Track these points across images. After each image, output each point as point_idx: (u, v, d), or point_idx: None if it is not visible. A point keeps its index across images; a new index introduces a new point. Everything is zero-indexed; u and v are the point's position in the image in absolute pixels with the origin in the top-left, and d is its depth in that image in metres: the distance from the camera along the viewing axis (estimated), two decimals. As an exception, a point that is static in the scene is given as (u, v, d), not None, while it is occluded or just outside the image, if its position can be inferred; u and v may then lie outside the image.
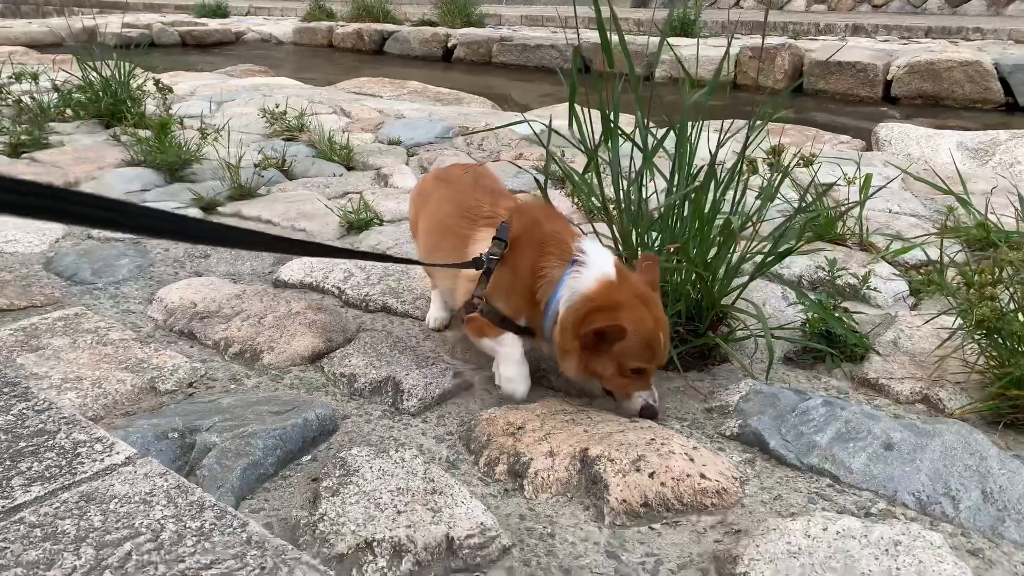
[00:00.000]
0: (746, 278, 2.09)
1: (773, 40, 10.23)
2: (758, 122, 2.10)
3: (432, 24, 12.81)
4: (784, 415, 1.64)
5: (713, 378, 1.93)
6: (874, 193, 2.44)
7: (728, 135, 2.07)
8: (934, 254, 2.62)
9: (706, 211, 2.07)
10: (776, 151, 2.86)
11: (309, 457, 1.61)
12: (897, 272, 2.52)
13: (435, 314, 2.21)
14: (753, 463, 1.56)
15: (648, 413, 1.66)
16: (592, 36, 2.17)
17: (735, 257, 2.04)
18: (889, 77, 8.47)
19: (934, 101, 8.22)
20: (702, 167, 2.12)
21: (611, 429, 1.60)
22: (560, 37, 11.32)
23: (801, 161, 2.79)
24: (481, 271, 1.73)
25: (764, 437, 1.59)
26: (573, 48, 2.16)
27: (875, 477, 1.47)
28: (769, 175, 2.60)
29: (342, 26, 12.58)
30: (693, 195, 2.02)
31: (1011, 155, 3.94)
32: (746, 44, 9.74)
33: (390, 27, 12.44)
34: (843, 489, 1.47)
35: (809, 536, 1.27)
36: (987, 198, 2.68)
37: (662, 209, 2.01)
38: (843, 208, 2.53)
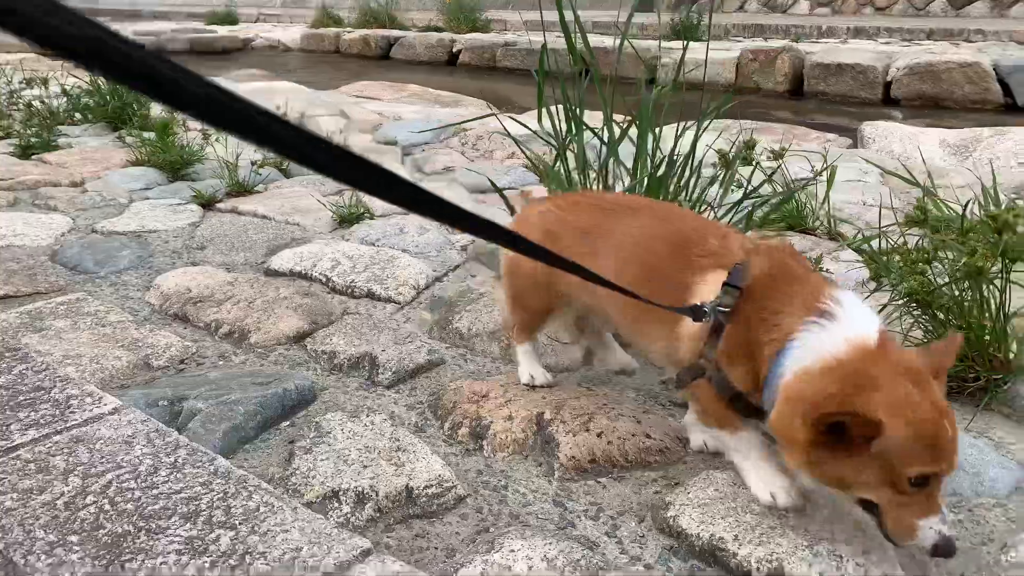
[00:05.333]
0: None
1: (774, 43, 10.34)
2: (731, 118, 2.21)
3: (438, 30, 12.99)
4: (731, 384, 1.75)
5: (673, 354, 2.04)
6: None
7: (684, 129, 2.18)
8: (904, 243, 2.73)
9: (671, 193, 2.19)
10: (749, 146, 2.97)
11: (288, 423, 1.74)
12: (861, 260, 2.62)
13: (532, 371, 1.81)
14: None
15: (944, 551, 1.14)
16: (598, 40, 2.31)
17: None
18: (889, 79, 8.54)
19: (934, 103, 8.27)
20: (664, 158, 2.24)
21: (567, 396, 1.72)
22: (563, 42, 11.43)
23: (772, 155, 2.90)
24: (709, 326, 1.30)
25: (710, 403, 1.70)
26: (541, 47, 2.28)
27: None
28: (737, 168, 2.70)
29: (349, 32, 12.78)
30: (654, 184, 2.14)
31: (991, 151, 4.03)
32: (747, 47, 9.85)
33: (396, 33, 12.63)
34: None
35: (734, 485, 1.38)
36: (976, 192, 2.78)
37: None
38: (789, 191, 2.63)
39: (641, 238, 1.47)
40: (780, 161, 2.98)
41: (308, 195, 3.50)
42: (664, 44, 8.51)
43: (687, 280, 1.35)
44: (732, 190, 2.50)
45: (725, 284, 1.29)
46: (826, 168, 2.78)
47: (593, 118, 2.37)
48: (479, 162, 4.42)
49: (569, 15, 2.35)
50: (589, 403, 1.69)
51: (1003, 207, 2.14)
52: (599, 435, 1.56)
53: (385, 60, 12.34)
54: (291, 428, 1.72)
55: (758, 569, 1.22)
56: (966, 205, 1.96)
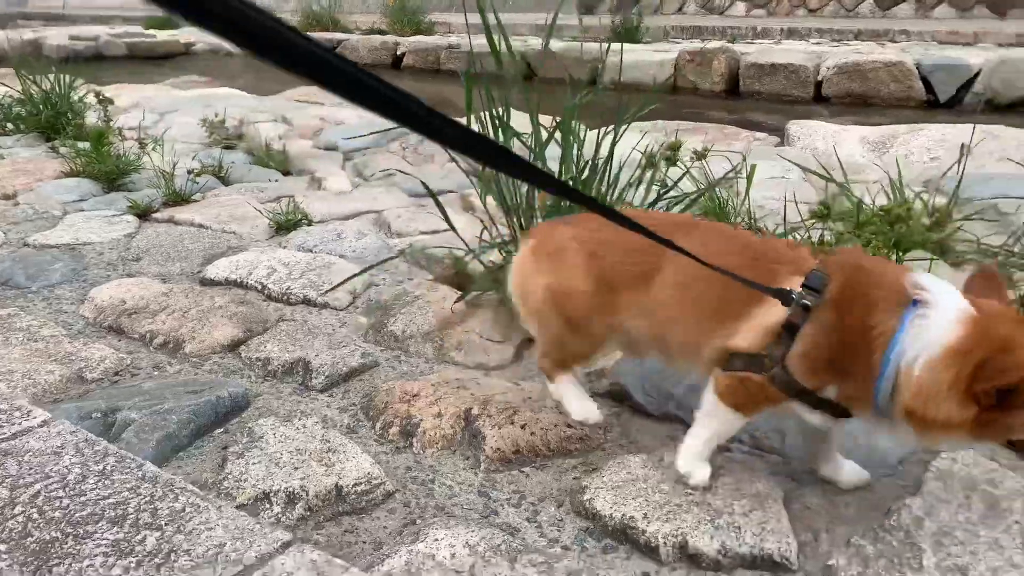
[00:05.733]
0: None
1: (711, 44, 10.61)
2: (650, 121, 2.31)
3: (381, 32, 13.00)
4: (648, 374, 1.85)
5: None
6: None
7: (608, 133, 2.28)
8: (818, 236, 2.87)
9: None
10: (673, 147, 3.09)
11: (221, 430, 1.77)
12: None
13: (585, 406, 1.69)
14: (619, 415, 1.77)
15: None
16: (535, 43, 2.38)
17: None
18: (820, 78, 8.84)
19: (862, 100, 8.58)
20: (587, 163, 2.33)
21: (495, 392, 1.79)
22: (503, 44, 11.55)
23: (695, 155, 3.02)
24: (781, 324, 1.32)
25: (630, 392, 1.80)
26: (469, 52, 2.34)
27: (718, 421, 1.68)
28: (664, 169, 2.82)
29: (291, 37, 12.67)
30: (579, 187, 2.23)
31: (906, 147, 4.24)
32: (685, 48, 10.09)
33: (339, 36, 12.60)
34: (692, 433, 1.68)
35: (645, 467, 1.47)
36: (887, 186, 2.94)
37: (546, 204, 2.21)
38: (705, 188, 2.75)
39: (707, 253, 1.36)
40: (703, 161, 3.11)
41: (245, 203, 3.51)
42: (603, 46, 8.68)
43: (766, 280, 1.33)
44: (656, 190, 2.61)
45: (804, 286, 1.31)
46: (741, 166, 2.91)
47: (527, 121, 2.41)
48: (420, 166, 4.48)
49: (501, 18, 2.42)
50: (515, 397, 1.76)
51: (899, 201, 2.30)
52: (523, 427, 1.64)
53: (329, 64, 12.30)
54: (224, 435, 1.75)
55: (665, 543, 1.31)
56: (860, 201, 2.09)
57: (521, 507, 1.47)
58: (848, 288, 1.30)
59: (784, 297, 1.29)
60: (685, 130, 5.22)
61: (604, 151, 2.37)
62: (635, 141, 2.78)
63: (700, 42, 11.43)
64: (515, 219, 2.38)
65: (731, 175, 2.96)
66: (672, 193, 2.61)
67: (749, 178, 2.94)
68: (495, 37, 2.32)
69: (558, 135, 2.38)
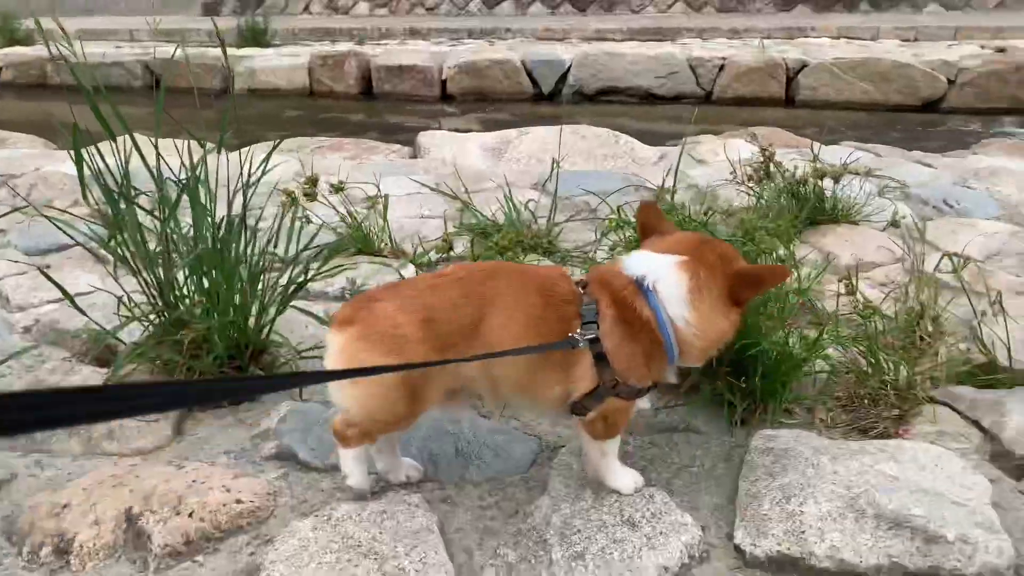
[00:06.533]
0: (289, 307, 2.36)
1: (341, 47, 10.80)
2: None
3: (-32, 44, 11.00)
4: (311, 426, 1.96)
5: (262, 405, 2.17)
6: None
7: (238, 190, 2.29)
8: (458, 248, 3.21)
9: (233, 257, 2.29)
10: (312, 181, 3.20)
11: None
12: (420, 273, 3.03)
13: (362, 475, 1.72)
14: (287, 476, 1.85)
15: None
16: (166, 50, 2.19)
17: (265, 295, 2.30)
18: (444, 77, 9.54)
19: (482, 96, 9.46)
20: (224, 218, 2.32)
21: (156, 482, 1.76)
22: (125, 52, 10.55)
23: (333, 189, 3.17)
24: (591, 356, 1.53)
25: (294, 450, 1.89)
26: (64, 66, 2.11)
27: (380, 461, 1.85)
28: (301, 207, 2.90)
29: None
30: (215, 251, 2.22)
31: (517, 152, 4.85)
32: (316, 52, 10.13)
33: (-90, 51, 10.42)
34: (359, 478, 1.83)
35: (315, 529, 1.59)
36: (506, 191, 3.33)
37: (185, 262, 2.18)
38: (333, 243, 2.88)
39: (512, 293, 1.58)
40: (342, 193, 3.28)
41: None
42: (230, 52, 8.35)
43: (567, 327, 1.53)
44: (300, 226, 2.68)
45: (585, 323, 1.52)
46: (378, 197, 3.13)
47: (166, 146, 2.26)
48: (35, 217, 3.96)
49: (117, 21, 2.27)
50: (179, 483, 1.75)
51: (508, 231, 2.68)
52: (191, 515, 1.65)
53: (-99, 86, 10.22)
54: None
55: (341, 600, 1.44)
56: (472, 239, 2.40)
57: (199, 600, 1.49)
58: (613, 300, 1.56)
59: (572, 342, 1.51)
60: (325, 147, 5.33)
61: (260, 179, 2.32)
62: (274, 169, 2.72)
63: (331, 44, 11.56)
64: (150, 278, 2.27)
65: (368, 206, 3.16)
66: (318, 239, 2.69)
67: (385, 208, 3.17)
68: (70, 46, 2.14)
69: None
